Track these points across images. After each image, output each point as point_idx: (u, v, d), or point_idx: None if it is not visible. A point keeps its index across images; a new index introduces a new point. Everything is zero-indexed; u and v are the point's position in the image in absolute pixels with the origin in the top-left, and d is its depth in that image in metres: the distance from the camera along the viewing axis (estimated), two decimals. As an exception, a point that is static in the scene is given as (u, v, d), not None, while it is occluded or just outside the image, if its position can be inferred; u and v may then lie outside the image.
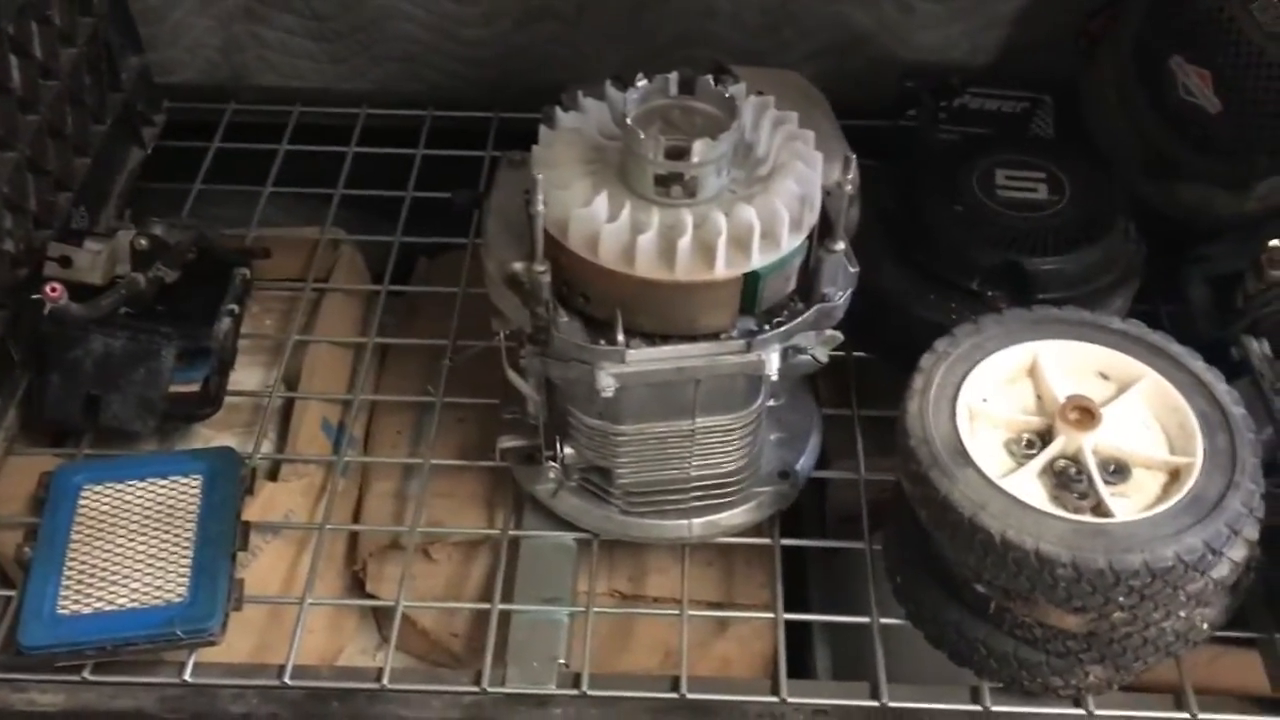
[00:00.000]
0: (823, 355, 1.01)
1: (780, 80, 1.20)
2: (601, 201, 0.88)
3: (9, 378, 1.10)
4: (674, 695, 0.96)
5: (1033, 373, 0.94)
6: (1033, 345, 0.93)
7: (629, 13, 1.45)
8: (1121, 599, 0.81)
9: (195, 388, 1.11)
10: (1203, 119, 1.11)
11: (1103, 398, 0.91)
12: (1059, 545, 0.80)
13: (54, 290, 0.96)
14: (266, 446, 1.16)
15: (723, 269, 0.88)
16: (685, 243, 0.87)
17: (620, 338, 0.90)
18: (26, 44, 1.14)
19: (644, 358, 0.91)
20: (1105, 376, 0.93)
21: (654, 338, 0.92)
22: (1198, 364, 0.91)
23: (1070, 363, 0.93)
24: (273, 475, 1.15)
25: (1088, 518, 0.83)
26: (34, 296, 0.97)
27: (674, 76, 0.94)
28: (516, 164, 1.05)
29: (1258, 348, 1.00)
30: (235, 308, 1.12)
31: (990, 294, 1.10)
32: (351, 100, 1.52)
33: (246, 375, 1.23)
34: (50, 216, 1.18)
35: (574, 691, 0.96)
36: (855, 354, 1.19)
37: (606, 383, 0.91)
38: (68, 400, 1.06)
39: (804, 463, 1.10)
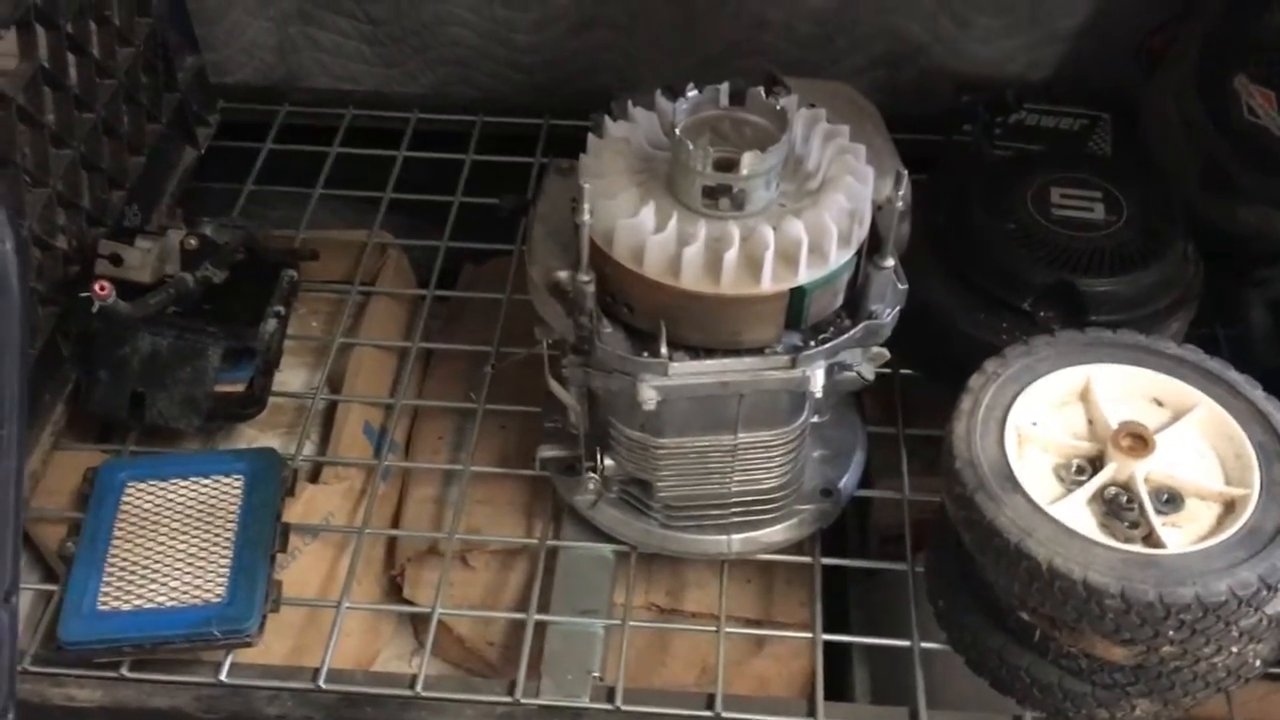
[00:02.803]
0: (869, 372, 1.00)
1: (832, 92, 1.19)
2: (648, 212, 0.88)
3: (58, 373, 1.11)
4: (709, 713, 0.95)
5: (1084, 397, 0.92)
6: (1085, 369, 0.91)
7: (681, 22, 1.44)
8: (1171, 633, 0.79)
9: (240, 388, 1.11)
10: (1266, 140, 1.08)
11: (1156, 424, 0.89)
12: (1108, 575, 0.78)
13: (103, 288, 0.97)
14: (309, 448, 1.17)
15: (769, 283, 0.87)
16: (731, 256, 0.86)
17: (664, 350, 0.89)
18: (85, 43, 1.15)
19: (687, 371, 0.90)
20: (1159, 403, 0.91)
21: (698, 351, 0.91)
22: (1256, 393, 0.88)
23: (1123, 388, 0.91)
24: (314, 477, 1.15)
25: (1138, 548, 0.81)
26: (83, 294, 0.98)
27: (725, 87, 0.93)
28: (564, 171, 1.05)
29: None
30: (281, 309, 1.12)
31: (1042, 314, 1.08)
32: (404, 104, 1.53)
33: (292, 376, 1.24)
34: (103, 214, 1.19)
35: (608, 706, 0.95)
36: (902, 371, 1.17)
37: (648, 395, 0.90)
38: (114, 396, 1.07)
39: (847, 481, 1.08)
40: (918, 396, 1.19)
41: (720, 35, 1.44)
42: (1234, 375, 0.89)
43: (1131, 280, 1.06)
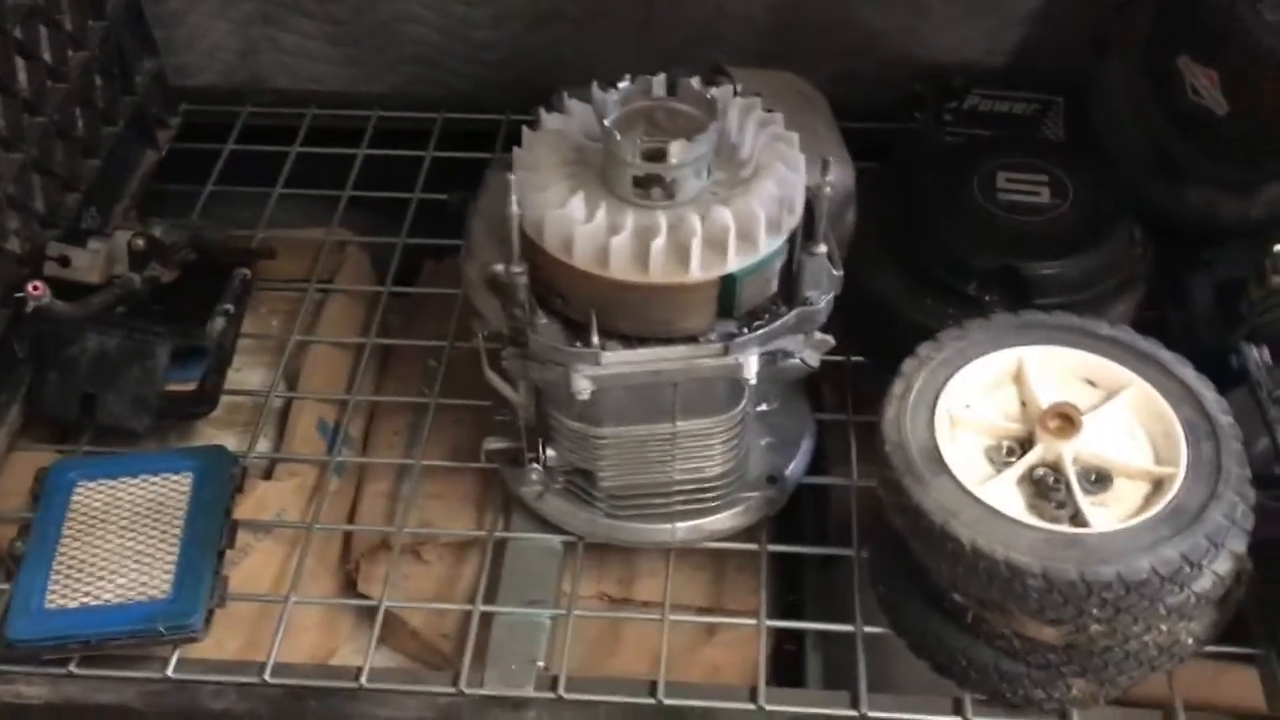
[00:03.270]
0: (813, 360, 1.00)
1: (778, 82, 1.19)
2: (577, 202, 0.88)
3: (12, 375, 1.12)
4: (650, 701, 0.95)
5: (1017, 379, 0.92)
6: (1018, 351, 0.92)
7: (639, 15, 1.45)
8: (1095, 611, 0.79)
9: (191, 386, 1.12)
10: (1210, 120, 1.08)
11: (1088, 405, 0.89)
12: (1029, 555, 0.79)
13: (36, 288, 0.97)
14: (265, 446, 1.17)
15: (697, 271, 0.87)
16: (659, 244, 0.86)
17: (595, 340, 0.89)
18: (34, 47, 1.16)
19: (619, 360, 0.90)
20: (1092, 383, 0.91)
21: (631, 340, 0.91)
22: (1187, 371, 0.88)
23: (1056, 369, 0.91)
24: (268, 474, 1.16)
25: (1062, 527, 0.81)
26: (18, 294, 0.99)
27: (660, 78, 0.94)
28: (504, 165, 1.05)
29: (1256, 355, 0.97)
30: (231, 307, 1.13)
31: (988, 299, 1.08)
32: (366, 103, 1.53)
33: (250, 375, 1.24)
34: (57, 217, 1.20)
35: (550, 695, 0.95)
36: (853, 359, 1.17)
37: (582, 385, 0.91)
38: (65, 398, 1.08)
39: (794, 468, 1.08)
40: (873, 384, 1.19)
41: (679, 28, 1.45)
42: (1165, 355, 0.90)
43: (1074, 263, 1.06)
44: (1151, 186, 1.16)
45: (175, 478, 1.05)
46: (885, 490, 0.87)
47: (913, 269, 1.12)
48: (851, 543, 1.06)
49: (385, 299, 1.30)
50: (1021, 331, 0.93)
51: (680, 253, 0.87)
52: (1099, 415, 0.87)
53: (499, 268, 0.94)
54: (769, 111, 0.96)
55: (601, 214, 0.87)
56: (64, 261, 1.09)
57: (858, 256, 1.07)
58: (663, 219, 0.87)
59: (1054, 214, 1.10)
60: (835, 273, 0.95)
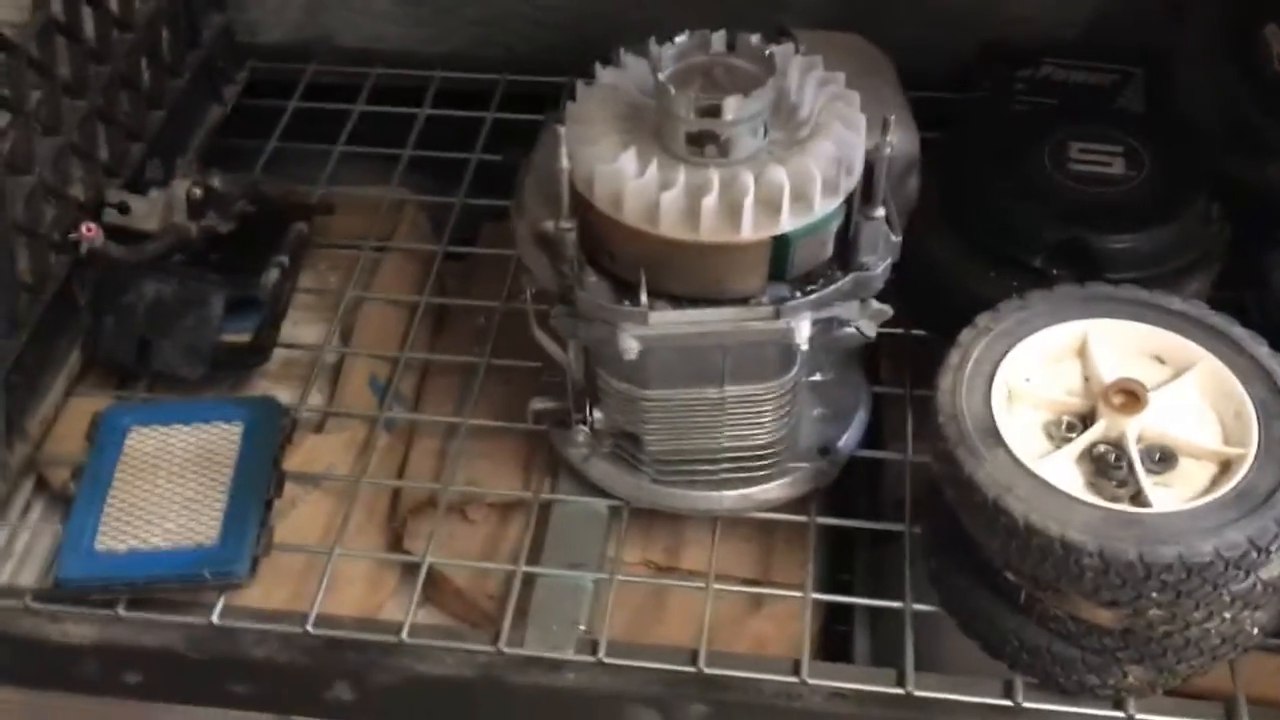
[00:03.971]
0: (869, 329, 0.97)
1: (843, 43, 1.16)
2: (629, 158, 0.86)
3: (73, 320, 1.13)
4: (691, 669, 0.94)
5: (1081, 353, 0.88)
6: (1082, 324, 0.88)
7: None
8: (1155, 594, 0.76)
9: (245, 338, 1.12)
10: (1297, 93, 1.03)
11: (1155, 382, 0.85)
12: (1085, 533, 0.75)
13: (89, 230, 0.98)
14: (317, 400, 1.18)
15: (749, 231, 0.85)
16: (710, 202, 0.84)
17: (644, 299, 0.88)
18: (101, -2, 1.17)
19: (667, 320, 0.89)
20: (1160, 360, 0.87)
21: (680, 300, 0.90)
22: (1261, 349, 0.84)
23: (1122, 344, 0.88)
24: (318, 428, 1.16)
25: (1123, 506, 0.78)
26: (70, 236, 1.00)
27: (719, 34, 0.92)
28: (559, 121, 1.04)
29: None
30: (286, 260, 1.13)
31: (1055, 272, 1.04)
32: (429, 63, 1.53)
33: (306, 330, 1.25)
34: (121, 166, 1.21)
35: (590, 658, 0.94)
36: (913, 332, 1.14)
37: (629, 344, 0.89)
38: (121, 343, 1.09)
39: (846, 440, 1.06)
40: (933, 358, 1.16)
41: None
42: (1238, 331, 0.86)
43: (1147, 237, 1.02)
44: (1231, 160, 1.11)
45: (226, 426, 1.05)
46: (938, 462, 0.84)
47: (977, 240, 1.08)
48: (904, 519, 1.04)
49: (440, 258, 1.29)
50: (1087, 304, 0.89)
51: (732, 211, 0.85)
52: (1166, 392, 0.84)
53: (548, 224, 0.93)
54: (830, 72, 0.93)
55: (653, 170, 0.86)
56: (123, 208, 1.09)
57: (920, 226, 1.04)
58: (715, 176, 0.85)
59: (1127, 186, 1.06)
60: (893, 238, 0.92)
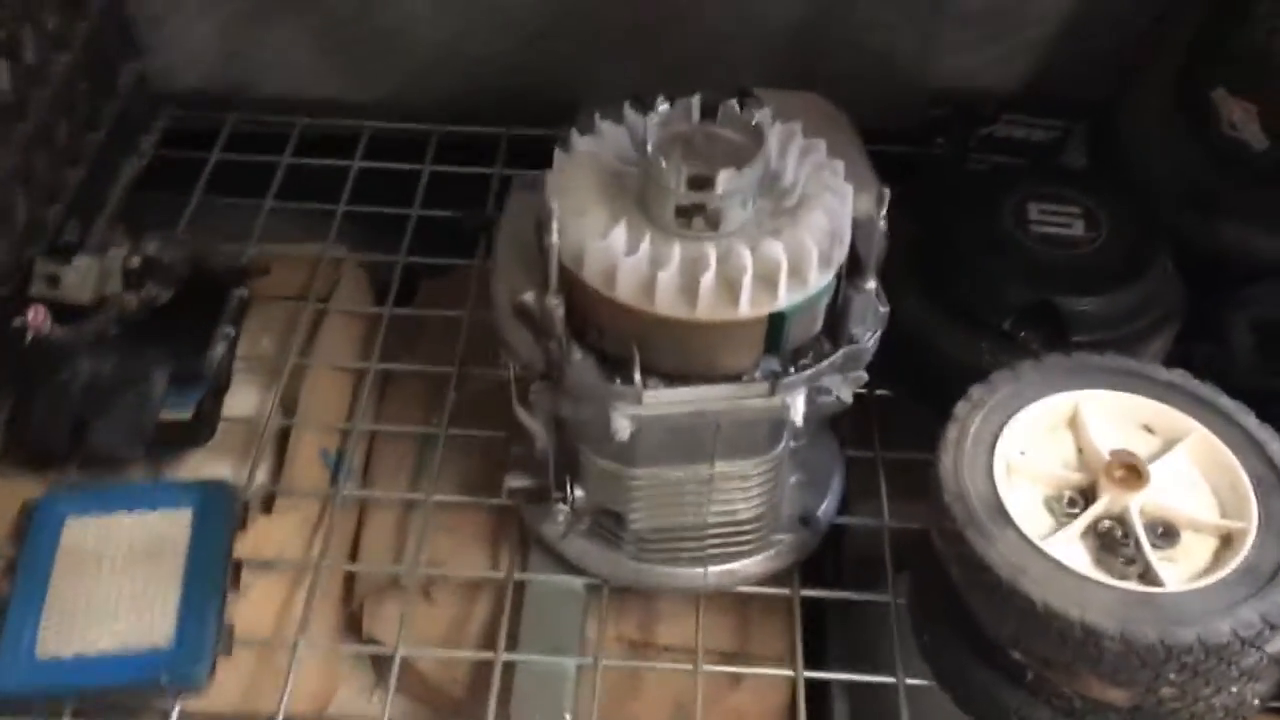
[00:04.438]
0: (847, 395, 0.96)
1: (804, 104, 1.15)
2: (620, 233, 0.83)
3: (-8, 399, 1.05)
4: (683, 755, 0.91)
5: (1073, 424, 0.88)
6: (1074, 394, 0.88)
7: (645, 33, 1.40)
8: (1172, 675, 0.76)
9: (187, 415, 1.05)
10: (1247, 155, 1.06)
11: (1147, 453, 0.86)
12: (1106, 616, 0.75)
13: (35, 315, 0.90)
14: (261, 475, 1.11)
15: (747, 308, 0.83)
16: (708, 280, 0.81)
17: (637, 378, 0.85)
18: (18, 48, 1.09)
19: (662, 399, 0.86)
20: (1150, 430, 0.88)
21: (672, 378, 0.87)
22: (1249, 420, 0.85)
23: (1113, 414, 0.88)
24: (267, 507, 1.09)
25: (1136, 586, 0.78)
26: (15, 323, 0.92)
27: (696, 100, 0.89)
28: (528, 185, 1.01)
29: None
30: (231, 330, 1.06)
31: (1023, 334, 1.05)
32: (358, 112, 1.47)
33: (242, 398, 1.17)
34: (40, 230, 1.12)
35: (580, 750, 0.91)
36: (878, 392, 1.13)
37: (621, 425, 0.86)
38: (53, 426, 1.01)
39: (826, 508, 1.04)
40: (893, 418, 1.15)
41: (684, 46, 1.40)
42: (1226, 402, 0.87)
43: (1114, 299, 1.03)
44: (1183, 220, 1.13)
45: (174, 513, 0.98)
46: (944, 542, 0.83)
47: (944, 302, 1.08)
48: (873, 583, 1.03)
49: (386, 321, 1.23)
50: (1075, 374, 0.89)
51: (730, 288, 0.82)
52: (1161, 465, 0.84)
53: (528, 296, 0.89)
54: (809, 138, 0.92)
55: (646, 246, 0.83)
56: (53, 281, 1.02)
57: (884, 285, 1.04)
58: (711, 252, 0.83)
59: (1090, 248, 1.07)
60: (881, 309, 0.91)
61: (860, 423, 1.14)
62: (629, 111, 0.94)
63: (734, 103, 0.89)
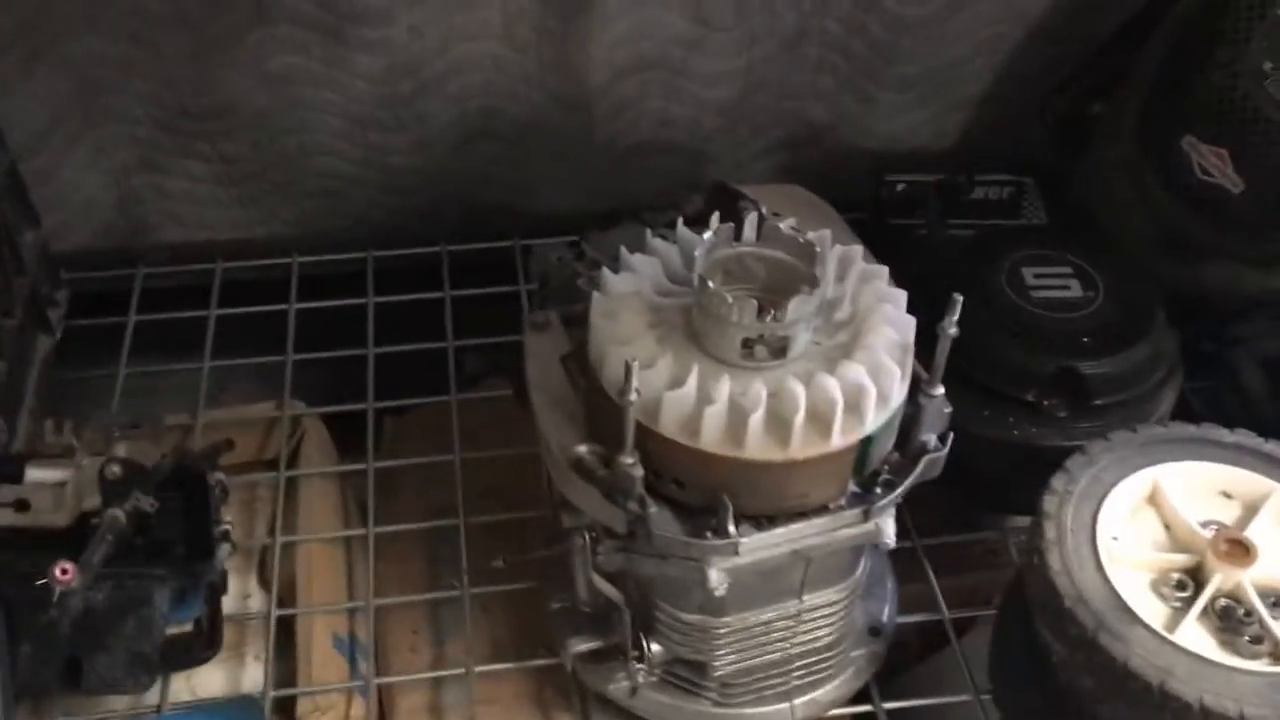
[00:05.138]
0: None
1: (788, 196, 1.13)
2: (694, 379, 0.78)
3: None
4: None
5: (1154, 500, 0.87)
6: (1151, 471, 0.87)
7: (578, 128, 1.35)
8: (1326, 752, 0.75)
9: (188, 627, 0.94)
10: (1224, 198, 1.08)
11: (1232, 520, 0.85)
12: (1265, 707, 0.73)
13: (65, 572, 0.78)
14: (271, 673, 1.00)
15: (839, 440, 0.79)
16: (799, 419, 0.77)
17: (732, 529, 0.79)
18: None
19: (758, 545, 0.81)
20: (1228, 495, 0.88)
21: (760, 520, 0.82)
22: (1322, 471, 0.86)
23: (1191, 485, 0.87)
24: (285, 709, 0.98)
25: (1274, 666, 0.77)
26: (39, 582, 0.79)
27: (752, 220, 0.85)
28: (540, 327, 0.94)
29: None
30: (227, 527, 0.96)
31: (1047, 403, 1.04)
32: (275, 249, 1.37)
33: (231, 588, 1.06)
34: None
35: None
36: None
37: (718, 579, 0.80)
38: (43, 669, 0.88)
39: (888, 613, 1.01)
40: (924, 505, 1.13)
41: (623, 138, 1.36)
42: (1295, 456, 0.87)
43: (1130, 356, 1.04)
44: (1163, 267, 1.15)
45: (205, 747, 0.87)
46: (1072, 650, 0.80)
47: (961, 379, 1.06)
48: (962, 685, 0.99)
49: (372, 476, 1.14)
50: (1148, 449, 0.88)
51: (819, 422, 0.78)
52: (1254, 532, 0.84)
53: (583, 450, 0.83)
54: (847, 246, 0.89)
55: (725, 389, 0.78)
56: (21, 506, 0.89)
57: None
58: (795, 386, 0.78)
59: (1093, 308, 1.07)
60: (946, 410, 0.88)
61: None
62: (654, 241, 0.89)
63: (780, 222, 0.85)
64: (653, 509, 0.81)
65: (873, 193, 1.31)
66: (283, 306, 1.28)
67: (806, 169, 1.42)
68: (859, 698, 0.99)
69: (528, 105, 1.33)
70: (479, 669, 1.00)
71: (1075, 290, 1.09)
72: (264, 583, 1.09)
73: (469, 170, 1.39)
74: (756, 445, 0.78)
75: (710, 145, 1.39)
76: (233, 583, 1.07)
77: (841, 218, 1.13)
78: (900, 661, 1.11)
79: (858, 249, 0.88)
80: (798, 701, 0.94)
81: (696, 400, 0.78)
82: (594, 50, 1.27)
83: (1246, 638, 0.79)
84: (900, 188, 1.25)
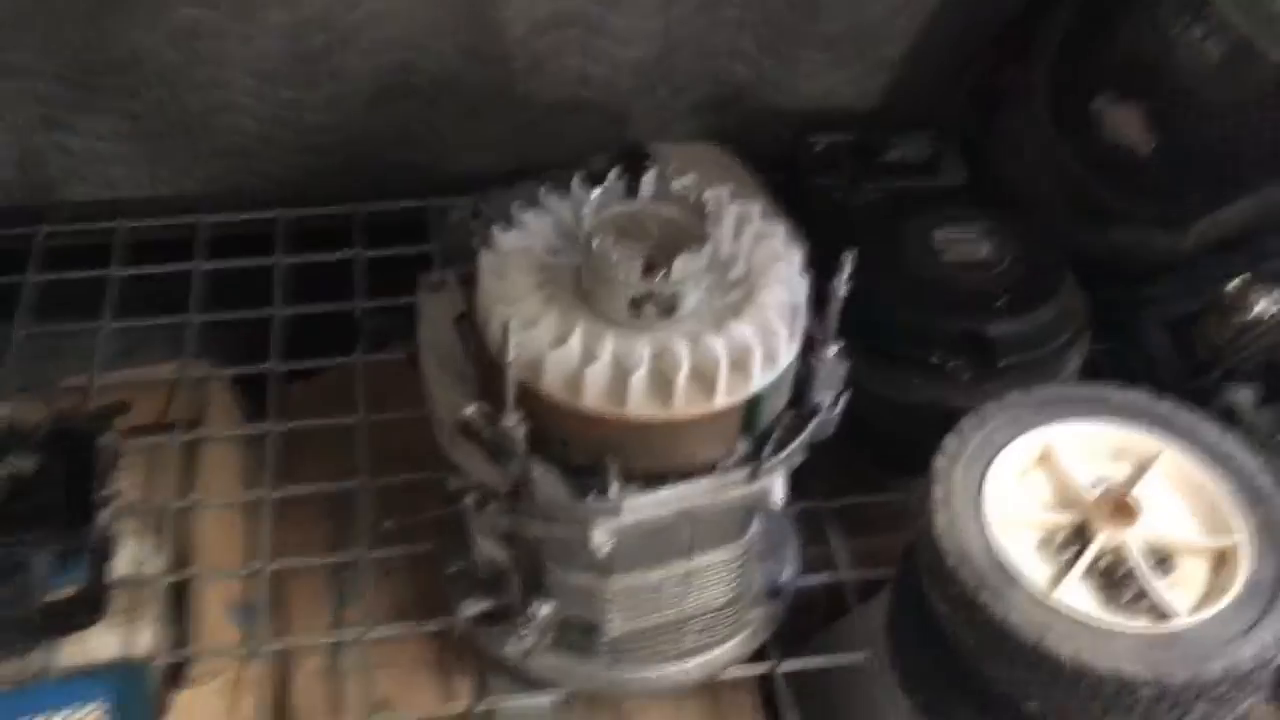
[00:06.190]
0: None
1: (700, 155, 1.12)
2: (577, 338, 0.77)
3: None
4: None
5: (1045, 460, 0.87)
6: (1044, 431, 0.87)
7: (496, 85, 1.33)
8: (1202, 709, 0.75)
9: (70, 591, 0.92)
10: (1133, 161, 1.08)
11: (1121, 479, 0.85)
12: (1139, 664, 0.74)
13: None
14: (164, 641, 0.98)
15: (724, 398, 0.78)
16: (682, 377, 0.76)
17: (614, 488, 0.78)
18: None
19: (641, 505, 0.80)
20: (1120, 455, 0.88)
21: (646, 479, 0.81)
22: (1212, 432, 0.86)
23: (1084, 444, 0.87)
24: (175, 678, 0.97)
25: (1154, 626, 0.77)
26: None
27: (650, 178, 0.83)
28: (435, 288, 0.92)
29: (1244, 399, 0.97)
30: (111, 491, 0.93)
31: (951, 364, 1.04)
32: (183, 207, 1.34)
33: (121, 556, 1.04)
34: None
35: None
36: (809, 441, 1.10)
37: (602, 540, 0.79)
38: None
39: (788, 574, 1.00)
40: (828, 465, 1.13)
41: (540, 96, 1.34)
42: (1186, 416, 0.87)
43: (1036, 318, 1.04)
44: (1074, 229, 1.15)
45: (88, 708, 0.85)
46: (952, 608, 0.80)
47: (866, 341, 1.06)
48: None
49: (276, 440, 1.12)
50: (1042, 409, 0.88)
51: (703, 380, 0.77)
52: (1140, 491, 0.84)
53: (470, 411, 0.82)
54: (743, 204, 0.88)
55: (609, 347, 0.76)
56: (-107, 469, 0.86)
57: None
58: (680, 344, 0.77)
59: (1001, 269, 1.07)
60: (841, 371, 0.87)
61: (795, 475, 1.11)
62: (545, 195, 0.87)
63: (668, 178, 0.83)
64: (536, 470, 0.80)
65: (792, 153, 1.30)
66: (187, 266, 1.25)
67: (730, 130, 1.40)
68: (759, 659, 0.98)
69: (443, 60, 1.31)
70: (375, 633, 0.98)
71: (985, 252, 1.08)
72: (162, 547, 1.07)
73: (384, 128, 1.36)
74: (639, 403, 0.76)
75: (631, 106, 1.38)
76: (131, 547, 1.05)
77: (754, 178, 1.13)
78: (809, 624, 1.11)
79: (755, 207, 0.87)
80: (691, 662, 0.94)
81: (580, 359, 0.76)
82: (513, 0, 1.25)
83: (1128, 597, 0.79)
84: (818, 148, 1.24)
